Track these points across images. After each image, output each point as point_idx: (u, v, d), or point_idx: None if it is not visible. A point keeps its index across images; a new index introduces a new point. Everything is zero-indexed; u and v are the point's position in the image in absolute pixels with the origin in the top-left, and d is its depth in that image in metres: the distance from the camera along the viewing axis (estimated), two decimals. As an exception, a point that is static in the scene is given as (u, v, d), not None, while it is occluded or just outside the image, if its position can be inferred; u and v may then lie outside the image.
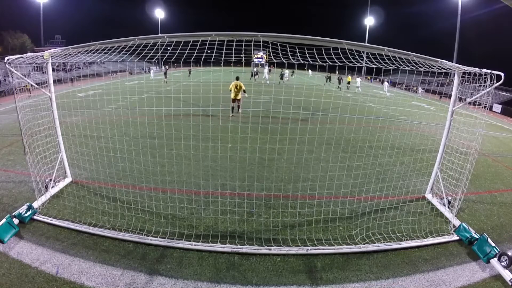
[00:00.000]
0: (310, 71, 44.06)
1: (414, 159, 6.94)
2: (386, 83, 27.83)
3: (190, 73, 33.31)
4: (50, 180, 5.05)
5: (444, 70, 4.38)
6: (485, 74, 4.13)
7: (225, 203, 4.74)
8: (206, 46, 3.74)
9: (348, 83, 28.43)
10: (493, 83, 4.04)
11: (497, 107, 25.01)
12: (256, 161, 6.83)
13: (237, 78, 12.16)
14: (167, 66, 31.92)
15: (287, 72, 32.81)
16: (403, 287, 3.36)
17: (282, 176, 6.17)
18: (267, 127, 9.13)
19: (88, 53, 4.41)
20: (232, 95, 11.95)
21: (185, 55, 3.76)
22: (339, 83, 27.01)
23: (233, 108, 12.04)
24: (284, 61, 3.82)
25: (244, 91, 12.09)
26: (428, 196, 5.57)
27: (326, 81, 28.11)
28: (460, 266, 3.76)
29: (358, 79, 27.66)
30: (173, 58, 3.83)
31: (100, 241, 3.88)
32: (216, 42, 3.70)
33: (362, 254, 3.85)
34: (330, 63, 3.80)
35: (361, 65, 3.98)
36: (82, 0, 64.36)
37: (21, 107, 4.47)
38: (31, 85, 4.78)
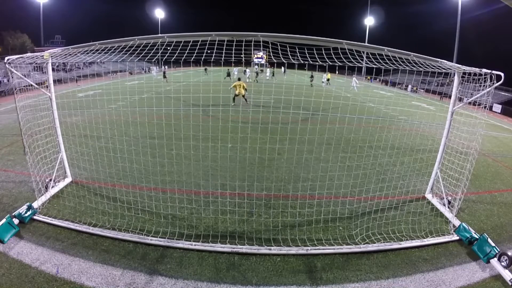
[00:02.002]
0: (282, 68, 43.17)
1: (414, 159, 6.94)
2: (355, 78, 27.90)
3: (206, 70, 34.97)
4: (50, 180, 5.05)
5: (444, 70, 4.38)
6: (485, 74, 4.13)
7: (225, 203, 4.74)
8: (206, 46, 3.74)
9: (328, 80, 28.72)
10: (493, 83, 4.04)
11: (497, 107, 24.98)
12: (256, 161, 6.83)
13: (239, 79, 14.43)
14: (166, 67, 32.14)
15: (268, 70, 32.95)
16: (403, 287, 3.36)
17: (282, 176, 6.17)
18: (267, 127, 9.13)
19: (88, 53, 4.41)
20: (236, 92, 14.05)
21: (185, 55, 3.76)
22: (311, 80, 27.30)
23: (234, 99, 14.09)
24: (284, 61, 3.82)
25: (245, 89, 14.12)
26: (428, 196, 5.57)
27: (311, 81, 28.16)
28: (460, 266, 3.76)
29: (325, 75, 29.14)
30: (173, 58, 3.83)
31: (100, 241, 3.88)
32: (216, 42, 3.70)
33: (362, 254, 3.86)
34: (330, 63, 3.80)
35: (361, 65, 3.97)
36: (82, 0, 64.27)
37: (21, 107, 4.47)
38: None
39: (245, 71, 32.52)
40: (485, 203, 5.68)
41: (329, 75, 29.36)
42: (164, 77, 26.29)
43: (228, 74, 28.86)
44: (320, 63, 3.79)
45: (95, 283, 3.19)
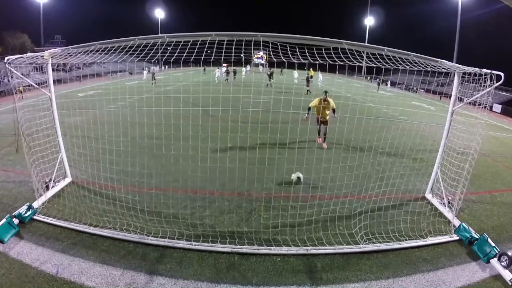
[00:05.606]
0: (260, 67, 40.71)
1: (414, 159, 6.94)
2: (320, 76, 27.27)
3: (205, 70, 36.52)
4: (50, 180, 5.06)
5: (444, 70, 4.38)
6: (485, 74, 4.13)
7: (225, 203, 4.74)
8: (206, 46, 3.74)
9: (311, 77, 27.90)
10: (493, 83, 4.04)
11: (497, 107, 24.96)
12: (256, 161, 6.82)
13: (325, 92, 8.39)
14: (154, 67, 28.71)
15: (244, 69, 31.56)
16: (403, 287, 3.36)
17: (282, 176, 6.16)
18: (267, 127, 9.12)
19: (88, 53, 4.41)
20: (318, 114, 8.58)
21: (185, 55, 3.76)
22: (270, 77, 24.29)
23: (319, 131, 8.75)
24: (284, 60, 3.82)
25: (334, 110, 8.44)
26: (428, 196, 5.57)
27: (269, 79, 23.39)
28: (460, 266, 3.76)
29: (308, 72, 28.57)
30: (173, 58, 3.83)
31: (100, 241, 3.89)
32: (216, 42, 3.70)
33: (362, 254, 3.86)
34: (331, 63, 3.80)
35: (361, 65, 3.97)
36: (82, 0, 64.20)
37: (20, 107, 4.47)
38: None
39: (227, 71, 25.62)
40: (485, 203, 5.68)
41: (312, 72, 28.35)
42: (153, 78, 22.64)
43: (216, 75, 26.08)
44: (320, 62, 3.79)
45: (95, 283, 3.19)
